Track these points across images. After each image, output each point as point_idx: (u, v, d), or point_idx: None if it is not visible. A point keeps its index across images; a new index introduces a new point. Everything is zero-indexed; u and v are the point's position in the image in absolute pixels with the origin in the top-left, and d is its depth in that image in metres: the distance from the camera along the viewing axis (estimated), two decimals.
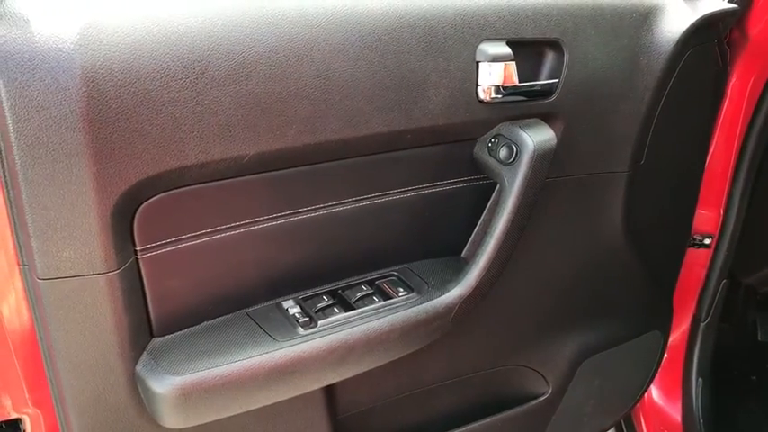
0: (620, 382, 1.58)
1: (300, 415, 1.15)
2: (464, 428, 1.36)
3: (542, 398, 1.44)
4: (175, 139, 0.87)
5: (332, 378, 1.08)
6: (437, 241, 1.22)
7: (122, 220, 0.88)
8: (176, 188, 0.92)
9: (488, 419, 1.39)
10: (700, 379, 1.73)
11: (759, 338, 1.89)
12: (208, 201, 0.96)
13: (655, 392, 1.77)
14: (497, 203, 1.14)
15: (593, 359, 1.47)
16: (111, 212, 0.86)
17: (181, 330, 1.00)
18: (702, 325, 1.70)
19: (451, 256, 1.23)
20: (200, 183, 0.93)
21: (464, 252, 1.24)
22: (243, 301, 1.05)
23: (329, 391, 1.17)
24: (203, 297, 1.01)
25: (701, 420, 1.72)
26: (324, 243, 1.09)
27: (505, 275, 1.19)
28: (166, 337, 0.99)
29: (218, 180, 0.94)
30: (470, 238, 1.23)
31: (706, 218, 1.56)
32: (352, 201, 1.08)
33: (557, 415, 1.49)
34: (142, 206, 0.90)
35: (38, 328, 0.91)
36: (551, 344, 1.41)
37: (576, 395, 1.49)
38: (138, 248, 0.92)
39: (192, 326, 1.01)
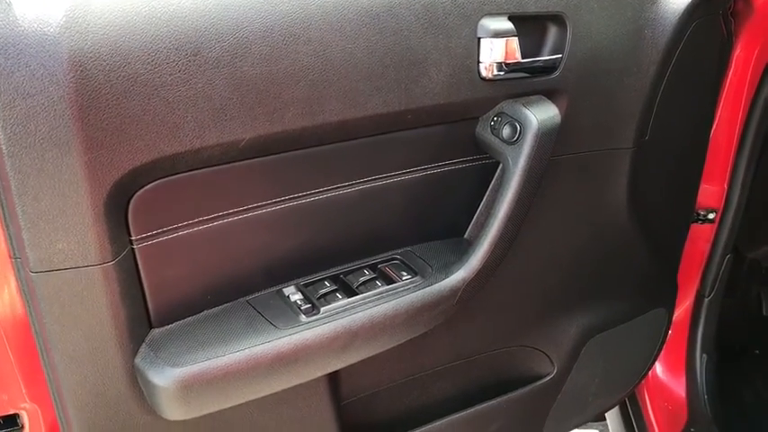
0: (625, 361, 1.57)
1: (304, 402, 1.13)
2: (469, 411, 1.35)
3: (547, 378, 1.43)
4: (169, 124, 0.83)
5: (336, 365, 1.06)
6: (439, 223, 1.19)
7: (116, 210, 0.85)
8: (171, 175, 0.89)
9: (493, 401, 1.37)
10: (704, 355, 1.72)
11: (764, 313, 1.88)
12: (204, 187, 0.93)
13: (659, 369, 1.76)
14: (501, 183, 1.11)
15: (598, 338, 1.45)
16: (105, 202, 0.83)
17: (180, 321, 0.98)
18: (706, 300, 1.69)
19: (454, 238, 1.20)
20: (196, 169, 0.90)
21: (467, 233, 1.21)
22: (243, 289, 1.03)
23: (333, 377, 1.15)
24: (202, 286, 0.98)
25: (706, 396, 1.71)
26: (324, 227, 1.06)
27: (510, 256, 1.16)
28: (165, 327, 0.97)
29: (214, 166, 0.91)
30: (473, 220, 1.20)
31: (710, 192, 1.54)
32: (352, 184, 1.05)
33: (562, 395, 1.47)
34: (136, 194, 0.87)
35: (33, 323, 0.88)
36: (556, 324, 1.39)
37: (581, 375, 1.47)
38: (133, 238, 0.89)
39: (192, 316, 0.99)
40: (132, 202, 0.87)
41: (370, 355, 1.08)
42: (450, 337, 1.26)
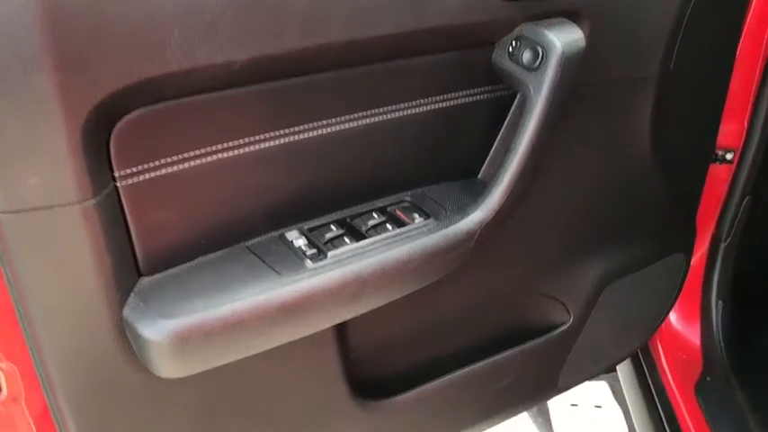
0: (641, 308, 1.49)
1: (310, 355, 1.04)
2: (482, 363, 1.27)
3: (563, 328, 1.35)
4: (152, 41, 0.73)
5: (344, 315, 0.96)
6: (452, 162, 1.09)
7: (96, 141, 0.75)
8: (157, 102, 0.78)
9: (507, 353, 1.29)
10: (720, 302, 1.65)
11: None
12: (195, 118, 0.82)
13: (672, 317, 1.69)
14: (520, 115, 1.01)
15: (615, 285, 1.37)
16: (82, 130, 0.72)
17: (172, 268, 0.88)
18: (723, 245, 1.61)
19: (468, 179, 1.11)
20: (186, 96, 0.80)
21: (481, 173, 1.12)
22: (241, 233, 0.93)
23: (340, 328, 1.06)
24: (196, 229, 0.88)
25: (722, 344, 1.64)
26: (328, 165, 0.96)
27: (527, 197, 1.07)
28: (156, 276, 0.87)
29: (206, 92, 0.81)
30: (488, 157, 1.11)
31: (728, 131, 1.45)
32: (359, 117, 0.95)
33: (577, 345, 1.40)
34: (118, 124, 0.76)
35: (5, 272, 0.78)
36: (573, 270, 1.31)
37: (597, 324, 1.40)
38: (116, 174, 0.79)
39: (185, 263, 0.89)
40: (114, 132, 0.77)
41: (382, 303, 0.99)
42: (462, 285, 1.17)
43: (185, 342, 0.82)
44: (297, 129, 0.91)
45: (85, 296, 0.80)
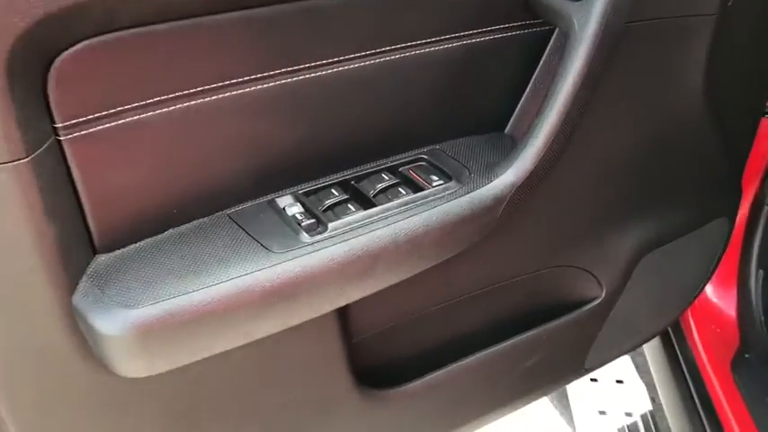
0: (679, 279, 1.33)
1: (308, 341, 0.88)
2: (501, 345, 1.11)
3: (595, 302, 1.19)
4: None
5: (348, 298, 0.80)
6: (476, 112, 0.92)
7: (28, 81, 0.57)
8: (108, 31, 0.60)
9: (530, 333, 1.13)
10: (760, 270, 1.49)
11: None
12: (158, 53, 0.65)
13: (707, 288, 1.53)
14: (561, 57, 0.83)
15: (653, 254, 1.21)
16: (7, 67, 0.55)
17: (136, 243, 0.71)
18: (766, 208, 1.44)
19: (494, 133, 0.94)
20: (145, 23, 0.62)
21: (509, 127, 0.94)
22: (221, 200, 0.76)
23: (342, 310, 0.90)
24: (165, 194, 0.72)
25: (762, 317, 1.48)
26: (328, 115, 0.79)
27: (563, 155, 0.90)
28: (115, 253, 0.70)
29: (172, 20, 0.63)
30: (518, 108, 0.94)
31: None
32: (364, 56, 0.78)
33: (609, 321, 1.24)
34: (57, 61, 0.59)
35: None
36: (607, 239, 1.14)
37: (631, 297, 1.24)
38: (58, 125, 0.62)
39: (152, 237, 0.72)
40: (52, 72, 0.59)
41: (392, 283, 0.83)
42: (483, 258, 1.01)
43: (150, 336, 0.66)
44: (288, 70, 0.73)
45: (25, 279, 0.64)
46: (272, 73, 0.72)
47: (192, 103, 0.68)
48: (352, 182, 0.82)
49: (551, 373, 1.25)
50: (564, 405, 1.73)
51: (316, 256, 0.73)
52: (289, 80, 0.73)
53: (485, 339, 1.10)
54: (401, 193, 0.81)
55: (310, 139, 0.79)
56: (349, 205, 0.78)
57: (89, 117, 0.63)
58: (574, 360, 1.27)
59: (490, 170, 0.86)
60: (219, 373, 0.82)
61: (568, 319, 1.17)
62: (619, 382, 1.76)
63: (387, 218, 0.78)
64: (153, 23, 0.63)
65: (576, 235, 1.10)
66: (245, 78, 0.71)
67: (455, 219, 0.81)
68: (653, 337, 1.45)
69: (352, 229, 0.76)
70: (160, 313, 0.66)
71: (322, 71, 0.75)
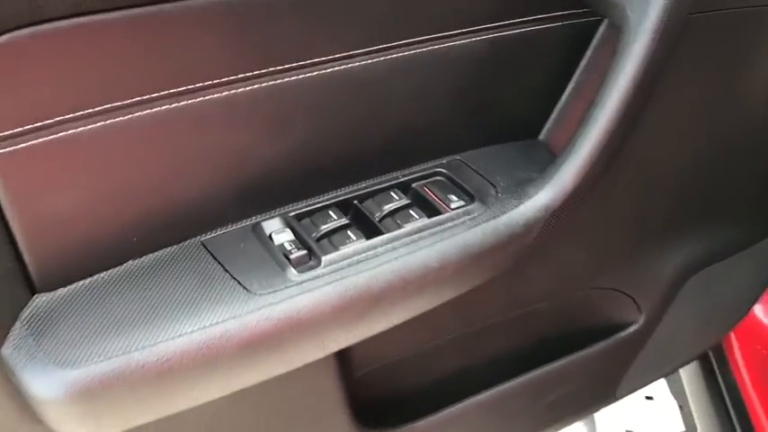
0: (727, 299, 1.19)
1: (299, 380, 0.75)
2: (524, 377, 0.97)
3: (632, 328, 1.05)
4: None
5: (344, 343, 0.67)
6: (504, 116, 0.78)
7: None
8: (39, 22, 0.47)
9: (558, 363, 1.00)
10: None
11: None
12: (108, 49, 0.51)
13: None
14: (613, 54, 0.69)
15: (701, 275, 1.06)
16: None
17: (86, 279, 0.58)
18: None
19: (525, 141, 0.80)
20: (88, 13, 0.48)
21: (544, 133, 0.80)
22: (194, 223, 0.63)
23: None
24: (121, 219, 0.58)
25: None
26: (325, 121, 0.66)
27: (610, 170, 0.75)
28: (59, 292, 0.57)
29: (122, 8, 0.50)
30: (555, 111, 0.79)
31: None
32: (373, 52, 0.64)
33: (647, 347, 1.10)
34: None
35: None
36: (650, 259, 1.00)
37: (673, 321, 1.10)
38: None
39: (106, 270, 0.59)
40: None
41: (399, 322, 0.70)
42: (507, 281, 0.86)
43: (95, 400, 0.53)
44: (278, 68, 0.59)
45: None
46: (256, 73, 0.58)
47: (154, 110, 0.55)
48: (355, 201, 0.69)
49: (577, 404, 1.12)
50: (588, 423, 1.60)
51: (305, 298, 0.59)
52: (277, 81, 0.60)
53: (504, 372, 0.97)
54: (413, 217, 0.67)
55: (303, 149, 0.66)
56: (349, 232, 0.64)
57: (17, 130, 0.50)
58: (604, 389, 1.13)
59: (521, 188, 0.72)
60: (197, 423, 0.69)
61: (601, 346, 1.04)
62: (648, 398, 1.63)
63: (395, 249, 0.64)
64: (99, 11, 0.49)
65: (614, 255, 0.96)
66: (222, 80, 0.57)
67: (477, 250, 0.68)
68: (693, 360, 1.31)
69: (351, 264, 0.62)
70: (108, 373, 0.53)
71: (320, 70, 0.61)
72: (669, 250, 1.00)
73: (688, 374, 1.46)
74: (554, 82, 0.78)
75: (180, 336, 0.55)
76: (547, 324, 0.99)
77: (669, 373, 1.26)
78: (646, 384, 1.23)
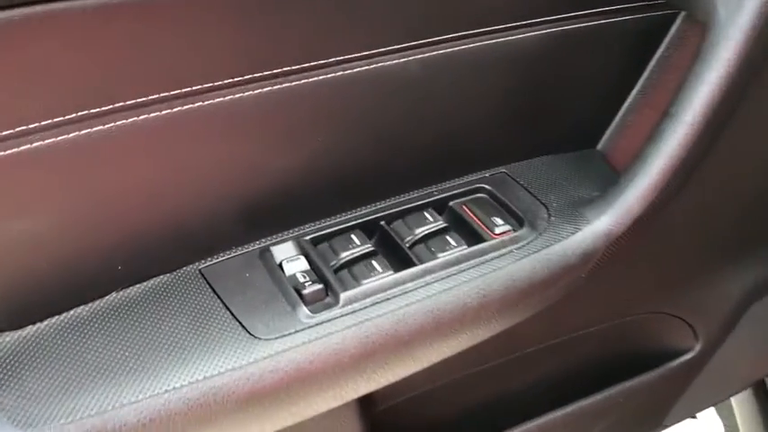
0: None
1: (315, 423, 0.65)
2: (568, 409, 0.87)
3: (688, 356, 0.94)
4: None
5: (367, 389, 0.57)
6: (558, 123, 0.67)
7: None
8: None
9: (604, 393, 0.89)
10: None
11: None
12: (86, 44, 0.42)
13: None
14: (696, 57, 0.57)
15: (764, 301, 0.95)
16: None
17: (58, 315, 0.49)
18: None
19: (582, 152, 0.69)
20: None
21: (603, 142, 0.69)
22: (190, 247, 0.53)
23: None
24: (103, 241, 0.49)
25: None
26: (350, 128, 0.55)
27: (682, 190, 0.64)
28: (28, 330, 0.48)
29: None
30: (617, 118, 0.68)
31: None
32: (407, 49, 0.54)
33: (702, 374, 0.99)
34: None
35: None
36: (711, 283, 0.89)
37: (732, 347, 0.99)
38: None
39: (85, 303, 0.50)
40: None
41: (429, 365, 0.60)
42: (555, 305, 0.76)
43: None
44: (296, 67, 0.49)
45: None
46: (267, 73, 0.48)
47: (141, 118, 0.45)
48: (381, 223, 0.59)
49: None
50: None
51: (319, 345, 0.50)
52: (292, 83, 0.50)
53: (544, 403, 0.87)
54: (450, 244, 0.57)
55: (322, 160, 0.56)
56: (374, 263, 0.54)
57: None
58: (653, 418, 1.03)
59: (578, 211, 0.61)
60: None
61: (652, 375, 0.93)
62: (692, 416, 1.51)
63: (427, 285, 0.54)
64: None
65: (673, 278, 0.85)
66: (226, 82, 0.47)
67: (525, 285, 0.57)
68: (749, 386, 1.20)
69: (375, 303, 0.52)
70: None
71: (341, 71, 0.51)
72: (734, 274, 0.89)
73: (739, 398, 1.35)
74: (618, 85, 0.67)
75: (167, 391, 0.46)
76: (593, 350, 0.88)
77: (722, 400, 1.15)
78: (697, 412, 1.12)
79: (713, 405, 1.14)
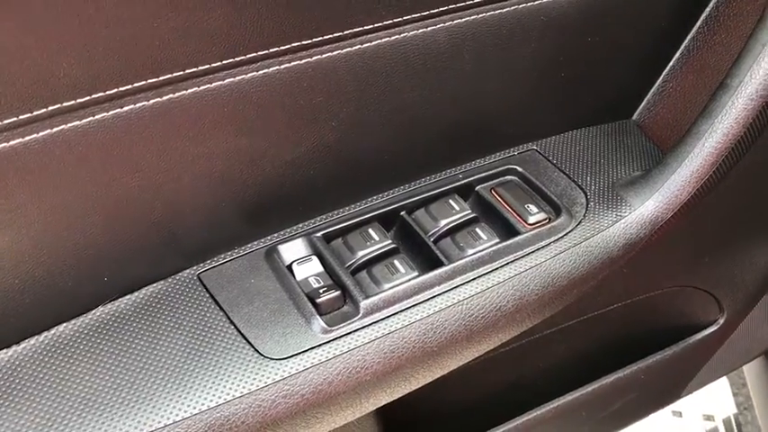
0: None
1: None
2: (589, 388, 0.83)
3: (710, 330, 0.89)
4: None
5: (389, 399, 0.51)
6: (591, 92, 0.60)
7: None
8: None
9: (626, 370, 0.85)
10: None
11: None
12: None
13: None
14: (762, 18, 0.50)
15: None
16: None
17: (36, 336, 0.43)
18: None
19: (616, 123, 0.62)
20: None
21: (639, 112, 0.62)
22: (186, 249, 0.46)
23: None
24: (88, 247, 0.42)
25: None
26: (365, 106, 0.48)
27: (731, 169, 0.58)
28: (1, 355, 0.42)
29: None
30: (656, 84, 0.61)
31: None
32: (428, 17, 0.47)
33: (724, 346, 0.95)
34: None
35: None
36: (741, 257, 0.83)
37: (754, 320, 0.94)
38: None
39: (67, 321, 0.43)
40: None
41: (455, 367, 0.54)
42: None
43: None
44: (305, 42, 0.42)
45: None
46: (271, 51, 0.41)
47: (126, 108, 0.38)
48: (402, 213, 0.52)
49: (639, 409, 0.97)
50: None
51: (338, 364, 0.43)
52: (302, 61, 0.42)
53: (565, 383, 0.82)
54: (480, 238, 0.50)
55: (334, 142, 0.48)
56: (396, 262, 0.48)
57: None
58: (671, 392, 0.99)
59: (619, 195, 0.55)
60: None
61: (674, 350, 0.88)
62: (708, 418, 1.47)
63: (456, 288, 0.48)
64: None
65: (703, 254, 0.79)
66: (226, 62, 0.40)
67: (563, 282, 0.51)
68: (761, 355, 1.16)
69: (400, 310, 0.46)
70: None
71: (359, 44, 0.43)
72: (763, 247, 0.83)
73: (752, 368, 1.31)
74: (659, 47, 0.60)
75: (166, 426, 0.40)
76: (615, 327, 0.83)
77: (738, 367, 1.11)
78: (712, 381, 1.08)
79: (728, 373, 1.09)
